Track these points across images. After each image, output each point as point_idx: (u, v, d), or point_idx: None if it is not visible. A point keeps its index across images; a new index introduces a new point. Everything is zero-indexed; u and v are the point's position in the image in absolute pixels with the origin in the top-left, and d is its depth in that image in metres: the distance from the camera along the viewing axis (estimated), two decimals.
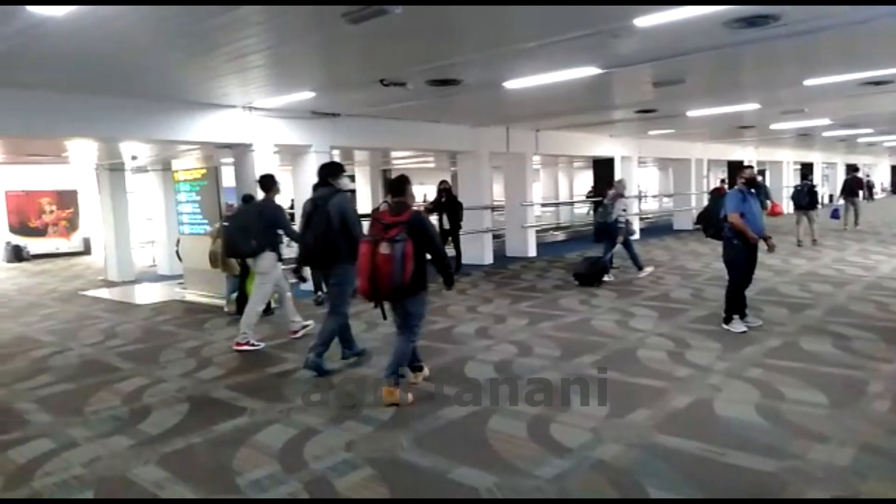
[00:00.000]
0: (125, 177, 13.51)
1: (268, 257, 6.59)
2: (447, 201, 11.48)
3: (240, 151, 9.48)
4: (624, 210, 10.14)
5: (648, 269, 10.44)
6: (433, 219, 11.51)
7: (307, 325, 7.13)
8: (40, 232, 17.82)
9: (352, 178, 24.74)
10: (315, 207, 5.54)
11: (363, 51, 6.35)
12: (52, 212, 18.08)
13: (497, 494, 3.32)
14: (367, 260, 4.56)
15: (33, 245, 17.54)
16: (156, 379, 5.63)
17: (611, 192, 10.23)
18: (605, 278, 9.87)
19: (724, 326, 6.55)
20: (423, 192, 22.56)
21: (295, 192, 10.71)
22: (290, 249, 6.92)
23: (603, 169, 17.01)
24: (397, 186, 4.90)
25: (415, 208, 4.91)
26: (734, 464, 3.57)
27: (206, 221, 9.59)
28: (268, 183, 6.81)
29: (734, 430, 4.03)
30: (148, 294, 11.07)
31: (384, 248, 4.49)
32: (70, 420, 4.65)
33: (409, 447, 3.93)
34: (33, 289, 11.91)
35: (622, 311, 7.75)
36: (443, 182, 11.87)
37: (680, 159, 19.89)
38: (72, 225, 18.35)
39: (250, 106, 9.01)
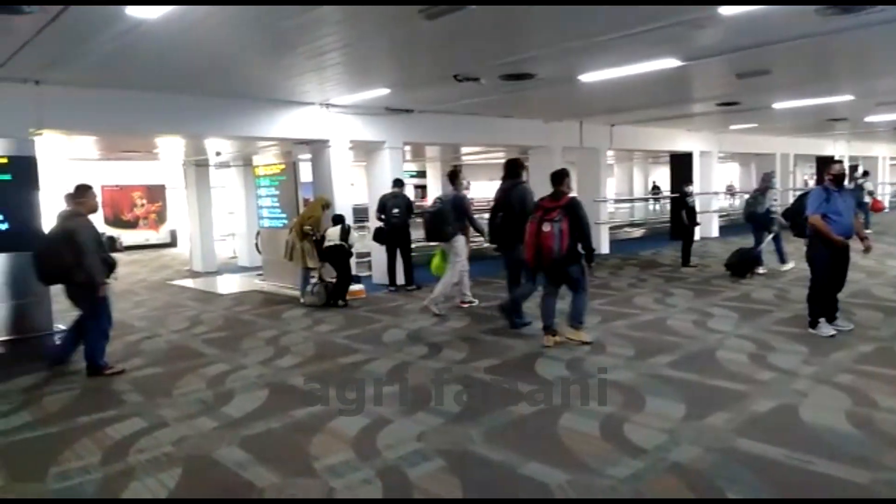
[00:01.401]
0: (209, 172, 14.17)
1: (460, 240, 7.83)
2: None
3: (317, 147, 9.76)
4: (775, 201, 10.14)
5: (790, 265, 10.11)
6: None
7: (473, 302, 8.20)
8: (132, 224, 18.95)
9: (422, 173, 25.05)
10: (504, 195, 6.76)
11: (438, 47, 6.40)
12: (142, 205, 19.18)
13: (569, 492, 3.29)
14: (533, 236, 5.83)
15: (126, 236, 18.67)
16: (237, 365, 5.89)
17: (760, 184, 10.48)
18: (759, 270, 9.83)
19: (811, 330, 6.22)
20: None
21: (368, 187, 10.92)
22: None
23: (680, 164, 16.47)
24: (557, 178, 6.04)
25: (571, 195, 6.02)
26: (822, 472, 3.40)
27: (284, 215, 9.93)
28: (455, 178, 8.21)
29: (822, 438, 3.83)
30: (229, 284, 11.58)
31: (546, 227, 5.73)
32: (160, 401, 4.93)
33: (480, 441, 3.95)
34: (126, 277, 12.66)
35: (700, 311, 7.50)
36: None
37: (763, 154, 19.00)
38: (160, 218, 19.41)
39: (327, 103, 9.25)
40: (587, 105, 10.86)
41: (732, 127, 15.75)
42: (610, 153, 14.78)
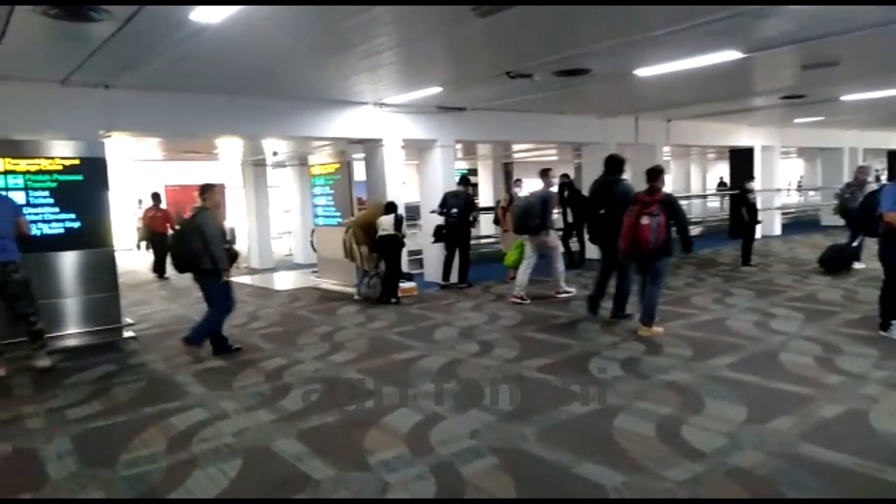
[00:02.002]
0: (266, 172, 14.54)
1: (550, 233, 8.30)
2: (570, 195, 11.29)
3: (370, 146, 9.88)
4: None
5: (862, 264, 9.76)
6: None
7: (570, 292, 8.64)
8: None
9: (473, 171, 25.02)
10: (600, 189, 7.09)
11: (490, 44, 6.38)
12: None
13: (625, 494, 3.24)
14: (630, 229, 6.15)
15: None
16: (294, 360, 6.02)
17: (856, 178, 10.28)
18: (855, 266, 9.60)
19: (882, 333, 5.92)
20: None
21: (420, 185, 11.00)
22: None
23: (741, 160, 15.94)
24: (653, 174, 6.34)
25: (665, 191, 6.37)
26: (894, 482, 3.23)
27: (338, 214, 10.09)
28: (546, 174, 8.67)
29: (894, 446, 3.65)
30: (285, 281, 11.86)
31: (645, 220, 6.06)
32: (221, 393, 5.09)
33: (533, 439, 3.93)
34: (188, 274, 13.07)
35: (762, 311, 7.25)
36: (564, 175, 11.69)
37: (830, 149, 18.20)
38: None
39: (380, 102, 9.35)
40: (643, 100, 10.63)
41: (797, 121, 15.15)
42: (666, 149, 14.42)
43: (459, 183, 9.94)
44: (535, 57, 6.84)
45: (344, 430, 4.24)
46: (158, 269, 12.78)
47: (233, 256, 6.49)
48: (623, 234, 6.24)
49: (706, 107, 11.68)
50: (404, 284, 9.09)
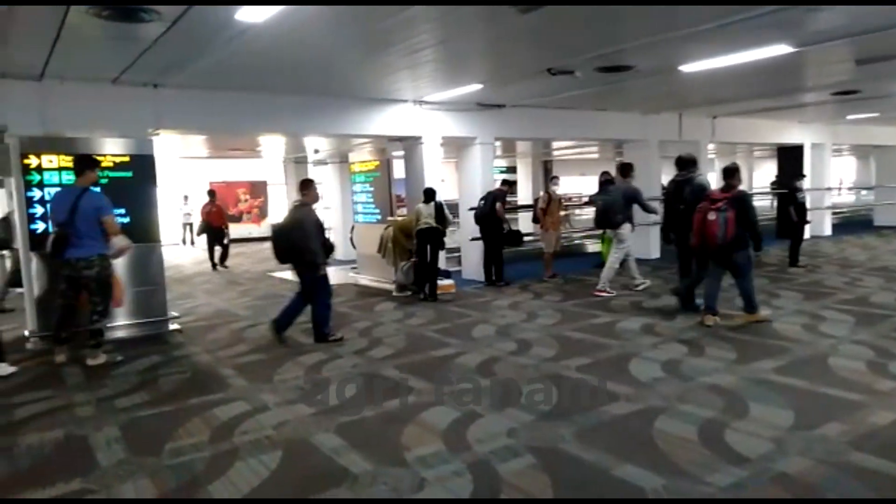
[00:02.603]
0: (308, 169, 14.75)
1: (626, 227, 8.42)
2: None
3: (410, 144, 9.92)
4: None
5: None
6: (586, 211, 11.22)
7: (646, 283, 8.76)
8: (236, 218, 20.01)
9: (512, 169, 24.90)
10: (676, 187, 7.32)
11: (532, 40, 6.33)
12: (246, 200, 20.24)
13: (664, 497, 3.18)
14: (699, 224, 6.38)
15: (231, 230, 19.74)
16: (333, 355, 6.09)
17: None
18: None
19: None
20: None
21: (459, 182, 10.99)
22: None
23: (789, 158, 15.46)
24: (730, 173, 6.50)
25: (740, 188, 6.47)
26: None
27: (377, 211, 10.17)
28: (627, 170, 8.69)
29: None
30: None
31: (711, 216, 6.25)
32: (262, 386, 5.19)
33: (571, 440, 3.89)
34: (231, 269, 13.40)
35: (810, 314, 7.03)
36: (604, 173, 11.48)
37: (885, 146, 17.51)
38: (262, 212, 20.41)
39: (420, 100, 9.38)
40: (688, 96, 10.42)
41: (850, 117, 14.62)
42: (711, 146, 14.10)
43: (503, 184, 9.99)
44: (577, 53, 6.76)
45: (381, 425, 4.27)
46: (222, 259, 13.42)
47: (328, 249, 6.80)
48: (693, 230, 6.51)
49: (753, 103, 11.37)
50: (442, 282, 9.10)
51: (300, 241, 6.34)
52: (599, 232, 10.64)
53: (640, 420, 4.17)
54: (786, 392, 4.58)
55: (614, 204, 8.54)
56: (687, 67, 7.52)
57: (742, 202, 6.29)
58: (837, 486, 3.21)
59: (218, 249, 13.29)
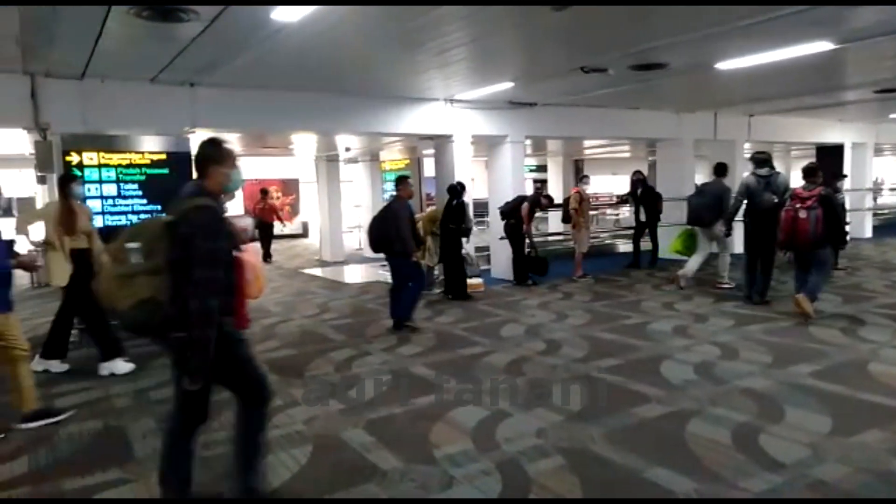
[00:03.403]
0: (339, 167, 14.87)
1: (719, 225, 8.45)
2: (643, 192, 11.00)
3: (440, 143, 9.93)
4: None
5: None
6: (622, 211, 11.08)
7: (730, 285, 8.83)
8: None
9: (543, 168, 24.74)
10: (758, 184, 7.52)
11: (565, 38, 6.29)
12: (278, 198, 20.48)
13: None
14: (789, 222, 6.67)
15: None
16: (362, 351, 6.14)
17: None
18: None
19: None
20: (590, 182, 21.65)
21: (489, 181, 10.97)
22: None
23: (829, 157, 15.05)
24: (810, 172, 6.81)
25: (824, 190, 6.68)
26: None
27: None
28: (722, 170, 8.80)
29: None
30: (355, 274, 12.12)
31: (803, 214, 6.54)
32: (293, 381, 5.25)
33: (601, 441, 3.85)
34: (263, 265, 13.57)
35: (850, 317, 6.84)
36: (637, 172, 11.40)
37: None
38: (294, 210, 20.66)
39: (451, 98, 9.38)
40: (724, 94, 10.23)
41: (893, 115, 14.18)
42: (747, 146, 13.82)
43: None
44: (610, 51, 6.69)
45: (410, 422, 4.29)
46: (265, 254, 14.10)
47: (418, 241, 7.35)
48: (782, 227, 6.78)
49: (792, 101, 11.11)
50: (471, 280, 9.09)
51: (392, 232, 6.82)
52: (625, 231, 10.55)
53: (671, 422, 4.12)
54: (823, 397, 4.47)
55: (710, 202, 8.58)
56: (723, 65, 7.38)
57: (829, 200, 6.55)
58: (877, 494, 3.12)
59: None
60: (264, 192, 14.63)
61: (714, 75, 7.93)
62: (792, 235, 6.68)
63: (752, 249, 7.75)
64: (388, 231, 6.85)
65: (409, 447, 3.86)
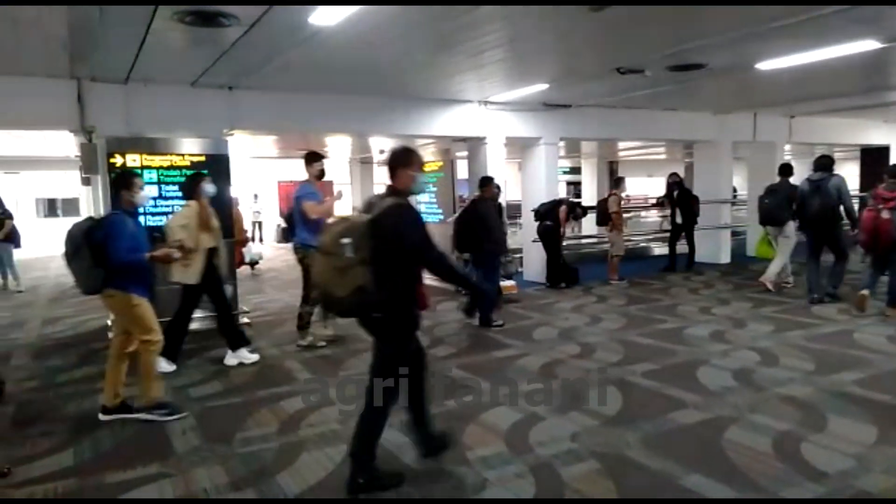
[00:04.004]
0: (373, 169, 14.99)
1: (790, 225, 8.62)
2: (680, 195, 10.82)
3: (473, 144, 9.93)
4: None
5: None
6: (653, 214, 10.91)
7: (791, 284, 9.00)
8: None
9: (577, 170, 24.56)
10: (809, 188, 7.65)
11: (602, 39, 6.23)
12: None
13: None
14: (871, 223, 6.68)
15: None
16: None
17: None
18: None
19: None
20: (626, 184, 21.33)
21: (523, 183, 10.92)
22: None
23: (873, 160, 14.62)
24: (893, 171, 6.80)
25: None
26: None
27: (440, 211, 10.22)
28: (789, 170, 8.86)
29: None
30: None
31: (885, 214, 6.54)
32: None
33: (637, 446, 3.80)
34: (297, 266, 13.71)
35: None
36: (673, 174, 11.22)
37: None
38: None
39: (485, 100, 9.38)
40: (764, 95, 10.00)
41: None
42: (787, 147, 13.50)
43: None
44: (648, 51, 6.60)
45: (443, 423, 4.26)
46: None
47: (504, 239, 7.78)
48: (864, 228, 6.81)
49: (835, 102, 10.78)
50: (504, 283, 9.06)
51: (480, 231, 7.11)
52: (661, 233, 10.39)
53: (709, 429, 4.05)
54: (868, 406, 4.34)
55: (780, 202, 8.63)
56: (764, 65, 7.22)
57: None
58: None
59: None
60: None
61: (754, 75, 7.77)
62: (874, 235, 6.67)
63: (812, 252, 7.82)
64: (477, 230, 7.14)
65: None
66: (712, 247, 11.82)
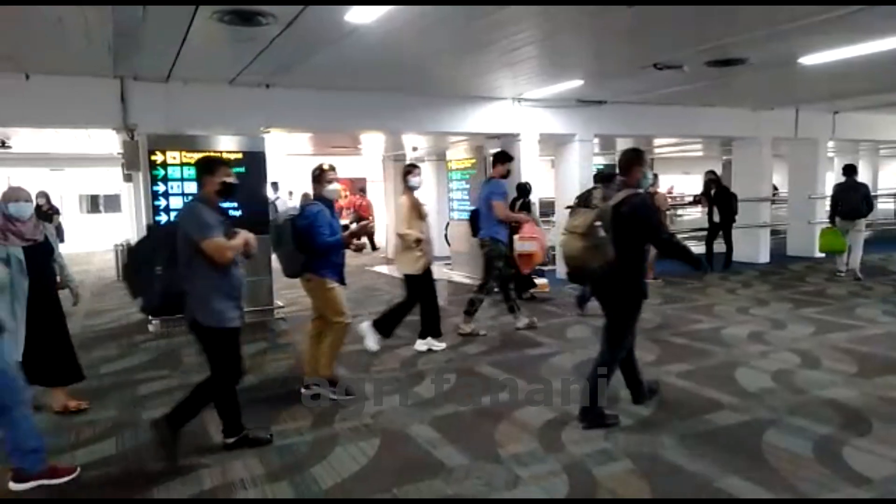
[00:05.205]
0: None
1: (862, 221, 9.43)
2: (717, 193, 10.62)
3: (507, 141, 9.87)
4: None
5: None
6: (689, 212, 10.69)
7: (843, 273, 9.58)
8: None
9: (611, 167, 24.23)
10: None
11: (638, 34, 6.15)
12: (345, 197, 20.86)
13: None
14: None
15: None
16: (427, 349, 6.18)
17: None
18: None
19: None
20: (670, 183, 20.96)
21: (556, 179, 10.84)
22: None
23: None
24: None
25: None
26: None
27: (473, 209, 10.19)
28: (854, 170, 9.52)
29: None
30: None
31: None
32: (361, 376, 5.36)
33: (672, 447, 3.75)
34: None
35: None
36: (710, 172, 11.01)
37: None
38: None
39: (519, 97, 9.33)
40: (806, 90, 9.73)
41: None
42: (830, 144, 13.12)
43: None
44: (686, 46, 6.48)
45: (476, 420, 4.30)
46: (372, 245, 15.19)
47: None
48: None
49: (881, 97, 10.46)
50: (537, 281, 9.01)
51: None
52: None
53: (746, 431, 3.97)
54: None
55: (861, 197, 9.32)
56: (808, 59, 7.03)
57: None
58: None
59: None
60: (363, 190, 16.70)
61: (797, 70, 7.57)
62: None
63: None
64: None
65: (474, 445, 3.87)
66: (750, 246, 11.57)
